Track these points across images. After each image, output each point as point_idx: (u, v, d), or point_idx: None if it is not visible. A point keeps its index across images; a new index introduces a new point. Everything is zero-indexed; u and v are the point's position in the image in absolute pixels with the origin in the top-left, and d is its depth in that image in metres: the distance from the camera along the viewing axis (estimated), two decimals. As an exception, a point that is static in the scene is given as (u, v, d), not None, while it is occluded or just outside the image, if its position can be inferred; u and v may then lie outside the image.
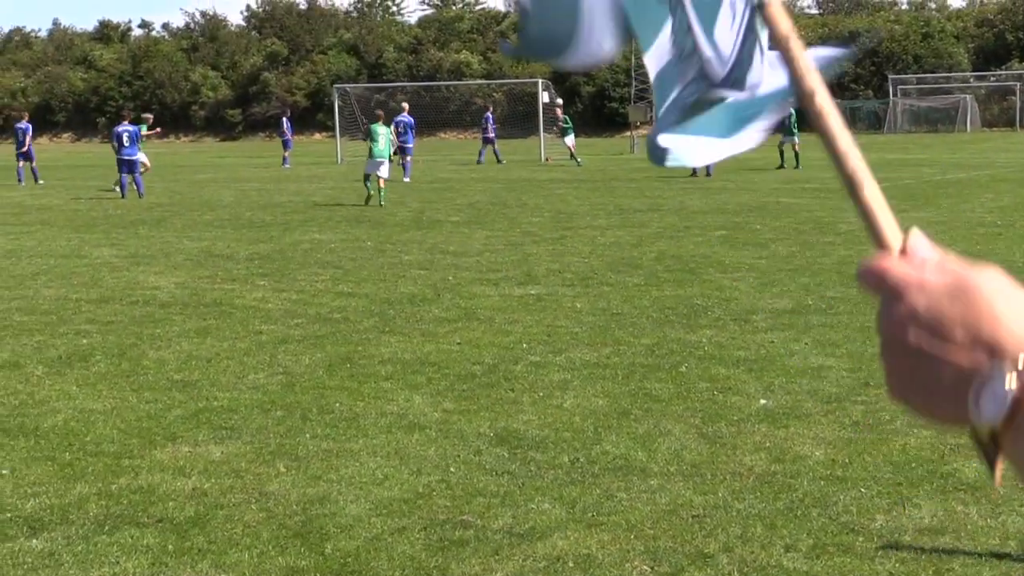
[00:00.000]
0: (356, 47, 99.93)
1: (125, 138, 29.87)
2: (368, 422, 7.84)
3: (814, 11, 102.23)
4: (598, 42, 1.63)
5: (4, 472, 6.91)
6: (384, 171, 26.22)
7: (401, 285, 13.86)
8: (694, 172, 33.77)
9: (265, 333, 11.02)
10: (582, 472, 6.70)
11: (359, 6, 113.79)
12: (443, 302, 12.58)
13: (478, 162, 45.74)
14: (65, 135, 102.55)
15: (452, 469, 6.79)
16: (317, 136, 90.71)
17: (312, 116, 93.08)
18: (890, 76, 79.77)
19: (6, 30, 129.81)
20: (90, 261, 16.75)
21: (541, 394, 8.51)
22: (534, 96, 51.36)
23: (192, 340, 10.75)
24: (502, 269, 15.02)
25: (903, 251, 1.12)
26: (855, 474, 6.55)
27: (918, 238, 1.10)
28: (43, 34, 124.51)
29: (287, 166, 45.63)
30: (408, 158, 36.32)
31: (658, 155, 1.67)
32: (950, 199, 24.08)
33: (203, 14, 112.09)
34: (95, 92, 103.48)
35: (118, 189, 31.03)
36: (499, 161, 45.36)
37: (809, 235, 17.99)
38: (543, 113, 48.50)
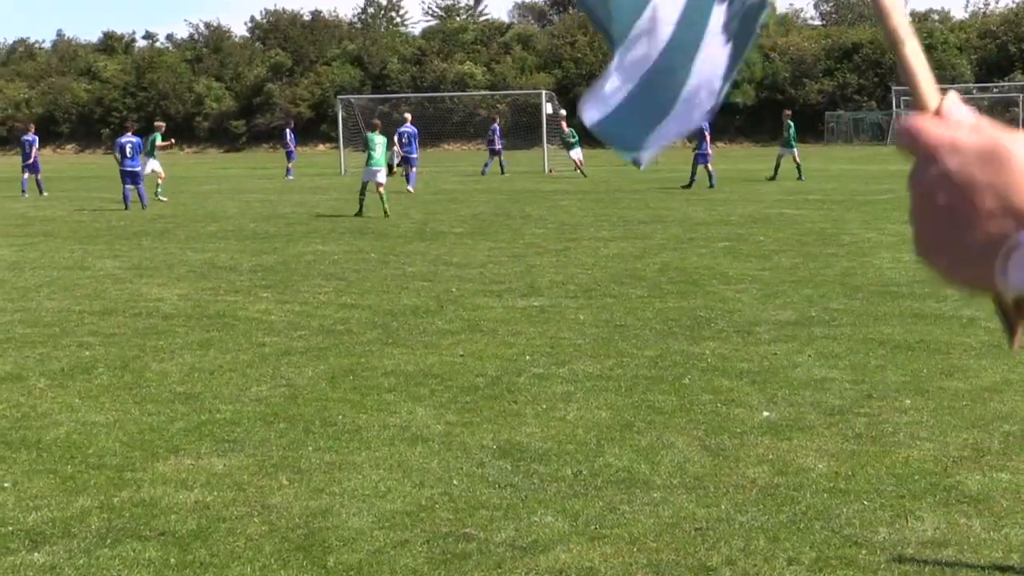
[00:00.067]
0: (360, 58, 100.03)
1: (128, 149, 29.84)
2: (371, 434, 7.83)
3: (817, 22, 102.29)
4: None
5: (6, 485, 6.91)
6: (382, 177, 26.31)
7: (404, 297, 13.86)
8: (689, 184, 33.78)
9: (268, 345, 11.02)
10: (585, 485, 6.69)
11: (363, 17, 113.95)
12: (446, 314, 12.58)
13: (482, 173, 45.72)
14: (69, 146, 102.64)
15: (455, 482, 6.78)
16: (321, 147, 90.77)
17: (316, 127, 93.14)
18: (893, 87, 79.72)
19: (10, 41, 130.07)
20: (93, 273, 16.76)
21: (544, 406, 8.50)
22: (538, 107, 51.41)
23: (195, 352, 10.75)
24: (505, 281, 15.01)
25: (939, 112, 1.11)
26: (858, 487, 6.54)
27: (954, 101, 1.09)
28: (47, 45, 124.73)
29: (290, 177, 45.64)
30: (413, 169, 36.35)
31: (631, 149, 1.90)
32: (953, 210, 24.04)
33: (207, 25, 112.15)
34: (99, 103, 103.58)
35: (162, 198, 31.26)
36: (502, 172, 45.36)
37: (812, 247, 17.98)
38: (547, 124, 48.50)
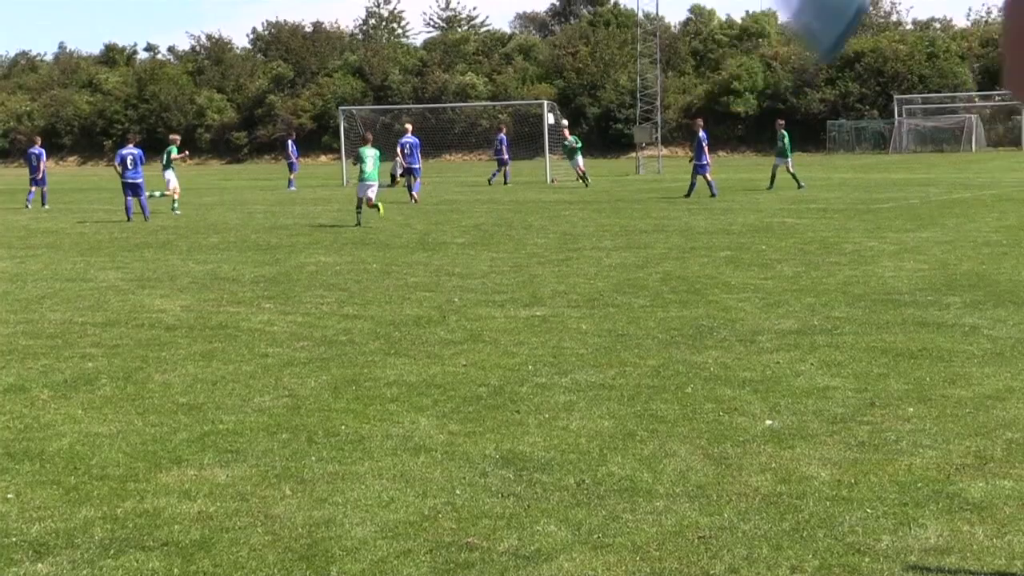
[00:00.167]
0: (361, 69, 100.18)
1: (129, 161, 29.79)
2: (374, 444, 7.83)
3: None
4: None
5: (9, 496, 6.91)
6: (372, 192, 26.47)
7: (407, 307, 13.87)
8: (688, 193, 33.83)
9: (271, 356, 11.03)
10: (588, 494, 6.69)
11: (364, 28, 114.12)
12: (449, 324, 12.58)
13: (489, 182, 45.68)
14: (71, 158, 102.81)
15: (458, 491, 6.78)
16: (323, 158, 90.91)
17: (318, 138, 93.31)
18: (895, 96, 79.85)
19: (12, 54, 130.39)
20: (96, 284, 16.78)
21: (547, 416, 8.50)
22: (539, 117, 51.44)
23: (198, 363, 10.76)
24: (508, 291, 15.02)
25: None
26: (861, 495, 6.54)
27: None
28: (49, 58, 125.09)
29: (292, 188, 45.69)
30: (417, 179, 36.37)
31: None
32: (956, 218, 24.07)
33: (209, 37, 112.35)
34: (101, 115, 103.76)
35: (176, 211, 31.39)
36: (505, 182, 45.37)
37: (814, 255, 17.98)
38: (549, 135, 48.53)
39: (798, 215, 26.00)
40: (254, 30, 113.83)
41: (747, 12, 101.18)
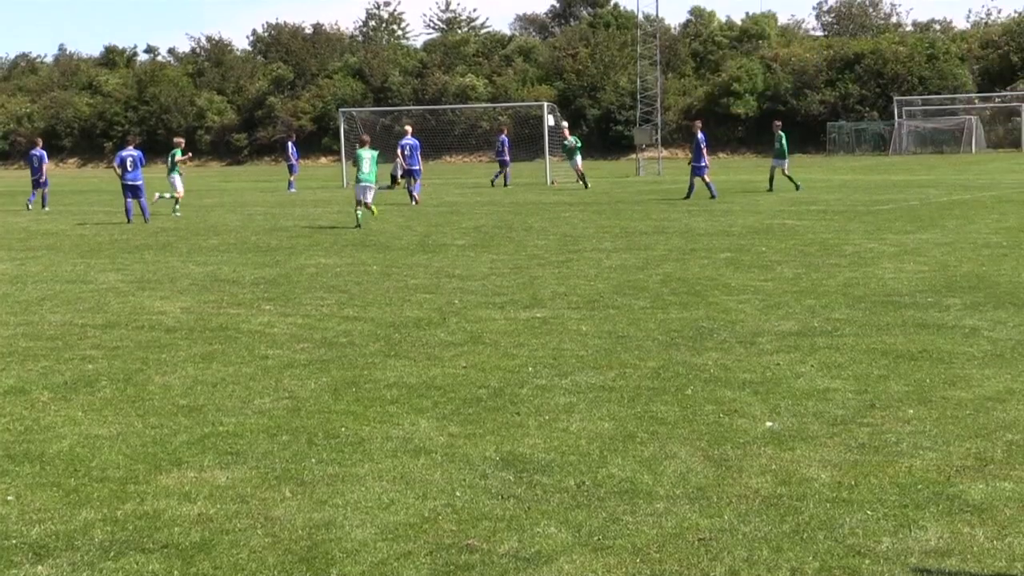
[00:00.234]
0: (361, 71, 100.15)
1: (129, 163, 29.76)
2: (374, 446, 7.83)
3: (819, 33, 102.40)
4: None
5: (9, 499, 6.92)
6: (369, 196, 26.65)
7: (407, 309, 13.87)
8: (688, 195, 33.84)
9: (271, 358, 11.03)
10: (588, 496, 6.69)
11: (364, 30, 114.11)
12: (449, 326, 12.58)
13: (492, 184, 45.65)
14: (71, 160, 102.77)
15: (458, 493, 6.79)
16: (323, 160, 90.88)
17: (318, 140, 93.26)
18: (895, 98, 79.82)
19: (12, 56, 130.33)
20: (96, 286, 16.78)
21: (547, 417, 8.51)
22: (539, 119, 51.44)
23: (198, 365, 10.76)
24: (508, 292, 15.02)
25: None
26: (861, 496, 6.54)
27: None
28: (49, 59, 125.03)
29: (293, 190, 45.68)
30: (415, 180, 36.34)
31: None
32: (956, 220, 24.07)
33: (209, 39, 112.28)
34: (101, 117, 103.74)
35: (176, 213, 31.43)
36: (505, 184, 45.36)
37: (814, 257, 17.98)
38: (549, 136, 48.52)
39: (798, 217, 26.00)
40: (254, 32, 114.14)
41: (747, 14, 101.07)
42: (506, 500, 6.65)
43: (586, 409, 8.72)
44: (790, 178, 36.67)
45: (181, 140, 36.16)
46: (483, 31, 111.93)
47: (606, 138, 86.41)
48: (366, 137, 28.51)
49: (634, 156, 62.12)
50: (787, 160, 37.38)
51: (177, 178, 33.20)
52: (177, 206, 32.67)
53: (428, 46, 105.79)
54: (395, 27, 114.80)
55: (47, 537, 6.25)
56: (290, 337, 12.12)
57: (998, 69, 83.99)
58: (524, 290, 15.18)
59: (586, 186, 42.02)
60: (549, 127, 48.66)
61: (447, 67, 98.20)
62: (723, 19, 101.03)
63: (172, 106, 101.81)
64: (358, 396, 9.33)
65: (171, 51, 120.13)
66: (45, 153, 38.91)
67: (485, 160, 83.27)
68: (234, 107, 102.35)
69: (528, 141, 60.20)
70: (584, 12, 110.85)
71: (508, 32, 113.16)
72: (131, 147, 30.82)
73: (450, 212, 31.18)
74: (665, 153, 65.69)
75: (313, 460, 7.53)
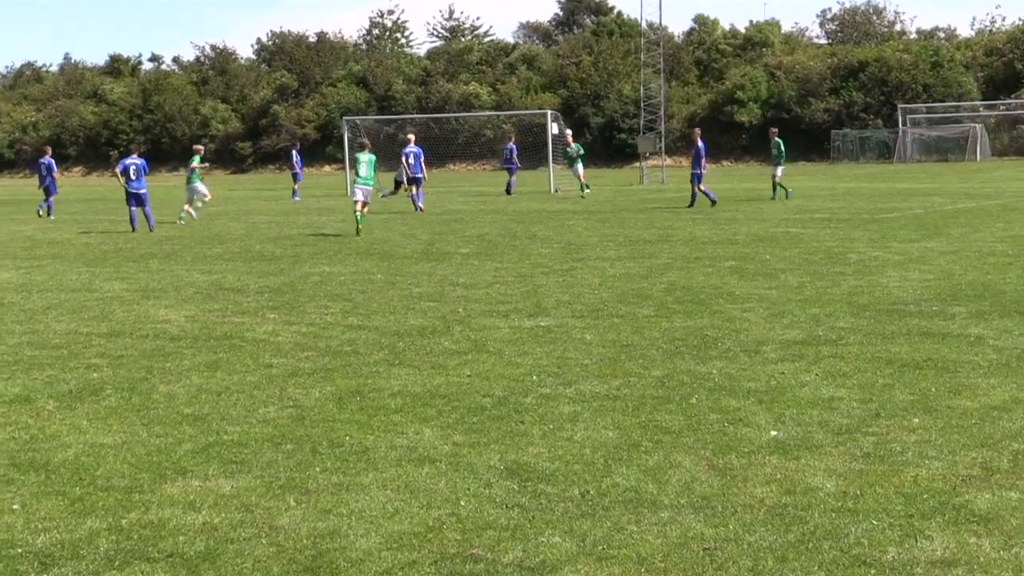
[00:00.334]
0: (365, 79, 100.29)
1: (132, 171, 29.78)
2: (378, 455, 7.83)
3: (823, 40, 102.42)
4: None
5: (15, 507, 6.91)
6: (359, 196, 27.23)
7: (411, 317, 13.87)
8: (691, 203, 33.89)
9: (275, 366, 11.03)
10: (592, 505, 6.69)
11: (368, 38, 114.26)
12: (453, 334, 12.58)
13: (508, 192, 45.49)
14: (76, 169, 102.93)
15: (462, 502, 6.78)
16: (327, 168, 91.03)
17: (322, 148, 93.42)
18: (900, 105, 79.85)
19: (17, 64, 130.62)
20: (101, 295, 16.79)
21: (551, 426, 8.50)
22: (543, 127, 51.47)
23: (202, 374, 10.76)
24: (512, 301, 15.02)
25: None
26: (866, 506, 6.53)
27: None
28: (54, 68, 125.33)
29: (297, 199, 45.71)
30: (415, 188, 36.31)
31: None
32: (961, 228, 24.06)
33: (213, 47, 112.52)
34: (106, 126, 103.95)
35: (180, 221, 31.44)
36: (508, 192, 45.34)
37: (819, 265, 17.97)
38: (552, 144, 48.53)
39: (802, 225, 25.99)
40: (258, 40, 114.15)
41: (751, 22, 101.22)
42: (511, 509, 6.64)
43: (590, 418, 8.71)
44: (781, 186, 36.69)
45: (200, 148, 36.26)
46: (487, 39, 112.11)
47: (610, 146, 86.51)
48: (366, 142, 28.80)
49: (638, 164, 62.11)
50: (780, 167, 37.34)
51: (199, 184, 33.33)
52: (183, 214, 32.71)
53: (432, 54, 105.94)
54: (399, 35, 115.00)
55: (52, 546, 6.25)
56: (294, 346, 12.12)
57: (1003, 77, 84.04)
58: (528, 299, 15.18)
59: (582, 192, 42.09)
60: (553, 135, 48.69)
61: (451, 75, 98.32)
62: (727, 27, 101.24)
63: (177, 114, 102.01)
64: (362, 405, 9.33)
65: (176, 60, 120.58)
66: (54, 161, 39.03)
67: (489, 168, 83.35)
68: (238, 115, 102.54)
69: (532, 149, 60.23)
70: (588, 20, 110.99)
71: (512, 40, 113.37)
72: (135, 155, 30.82)
73: (454, 220, 31.19)
74: (669, 161, 65.68)
75: (317, 469, 7.53)
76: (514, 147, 47.50)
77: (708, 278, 16.80)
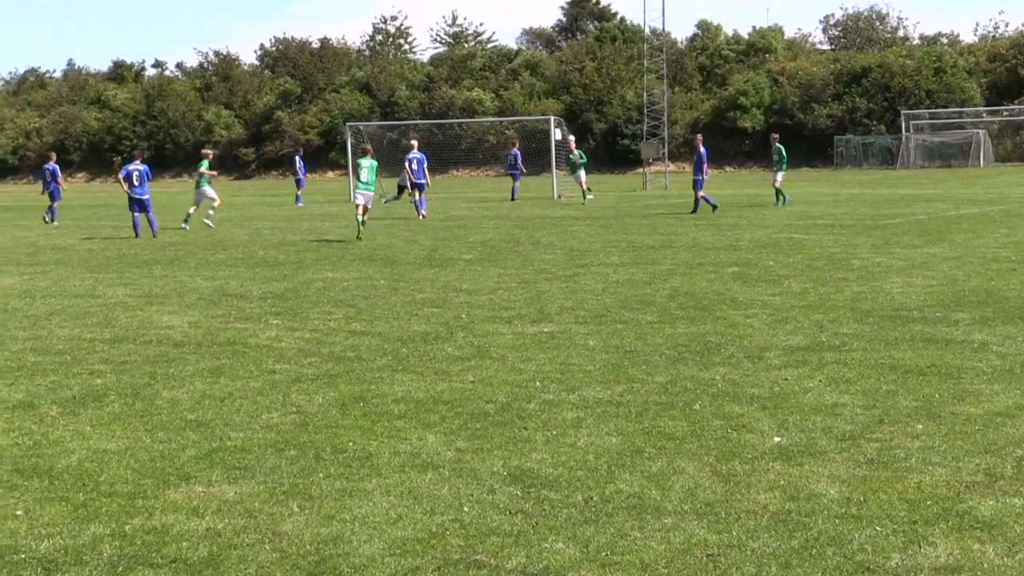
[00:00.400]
0: (368, 85, 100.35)
1: (135, 177, 29.79)
2: (381, 461, 7.83)
3: (826, 46, 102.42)
4: None
5: (18, 513, 6.92)
6: (360, 200, 27.68)
7: (414, 323, 13.87)
8: (694, 209, 33.90)
9: (278, 372, 11.03)
10: (596, 511, 6.68)
11: (371, 44, 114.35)
12: (456, 340, 12.58)
13: (512, 199, 45.50)
14: (80, 175, 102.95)
15: (465, 508, 6.78)
16: (330, 174, 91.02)
17: (325, 154, 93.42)
18: (903, 111, 79.85)
19: (21, 71, 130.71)
20: (104, 301, 16.80)
21: (554, 432, 8.50)
22: (546, 133, 51.50)
23: (206, 380, 10.77)
24: (515, 307, 15.02)
25: None
26: (870, 512, 6.52)
27: None
28: (58, 74, 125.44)
29: (300, 204, 45.74)
30: (417, 194, 36.30)
31: None
32: (964, 234, 24.05)
33: (216, 53, 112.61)
34: (109, 132, 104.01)
35: (185, 226, 31.48)
36: (512, 199, 45.35)
37: (822, 271, 17.97)
38: (556, 150, 48.54)
39: (806, 231, 25.99)
40: (262, 46, 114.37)
41: (754, 27, 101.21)
42: (514, 515, 6.64)
43: (594, 424, 8.71)
44: (780, 192, 36.64)
45: (209, 152, 36.13)
46: (490, 45, 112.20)
47: (613, 152, 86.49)
48: (368, 147, 28.96)
49: (641, 170, 62.13)
50: (780, 172, 37.23)
51: (208, 188, 33.25)
52: (188, 218, 32.73)
53: (435, 60, 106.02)
54: (402, 41, 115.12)
55: (56, 552, 6.25)
56: (298, 351, 12.13)
57: (1006, 83, 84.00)
58: (531, 304, 15.18)
59: (583, 199, 42.11)
60: (556, 141, 48.70)
61: (454, 81, 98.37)
62: (730, 33, 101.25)
63: (180, 120, 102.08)
64: (365, 411, 9.33)
65: (179, 66, 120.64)
66: (58, 167, 39.09)
67: (492, 174, 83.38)
68: (241, 121, 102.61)
69: (535, 155, 60.28)
70: (591, 26, 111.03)
71: (515, 46, 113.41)
72: (138, 161, 30.85)
73: (457, 226, 31.20)
74: (672, 167, 65.74)
75: (321, 475, 7.53)
76: (518, 152, 47.56)
77: (711, 284, 16.80)
